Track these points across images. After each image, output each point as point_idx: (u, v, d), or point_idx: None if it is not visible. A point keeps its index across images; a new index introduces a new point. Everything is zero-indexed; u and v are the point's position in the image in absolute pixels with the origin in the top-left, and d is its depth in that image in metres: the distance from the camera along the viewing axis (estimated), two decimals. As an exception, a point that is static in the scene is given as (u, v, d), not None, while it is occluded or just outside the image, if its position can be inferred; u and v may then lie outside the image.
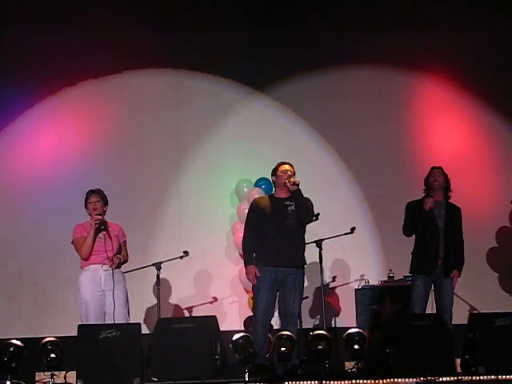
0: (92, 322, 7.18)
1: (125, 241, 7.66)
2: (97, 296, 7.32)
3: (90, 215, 7.56)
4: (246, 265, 7.44)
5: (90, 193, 7.59)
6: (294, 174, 7.49)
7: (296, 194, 7.38)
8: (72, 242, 7.53)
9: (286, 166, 7.52)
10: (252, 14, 9.40)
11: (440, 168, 7.94)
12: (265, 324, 7.20)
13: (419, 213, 7.74)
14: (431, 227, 7.76)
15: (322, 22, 9.49)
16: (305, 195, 7.92)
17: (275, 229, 7.35)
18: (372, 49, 9.55)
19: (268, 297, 7.29)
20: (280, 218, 7.37)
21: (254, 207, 7.58)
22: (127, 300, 7.45)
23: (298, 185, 7.34)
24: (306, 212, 7.39)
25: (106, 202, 7.61)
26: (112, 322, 7.12)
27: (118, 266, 7.45)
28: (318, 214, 7.70)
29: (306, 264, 7.43)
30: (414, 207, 7.84)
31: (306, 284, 7.83)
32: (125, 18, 9.18)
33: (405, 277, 8.45)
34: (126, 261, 7.59)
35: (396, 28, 9.49)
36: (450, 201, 7.93)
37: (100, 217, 7.43)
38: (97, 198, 7.55)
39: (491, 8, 9.31)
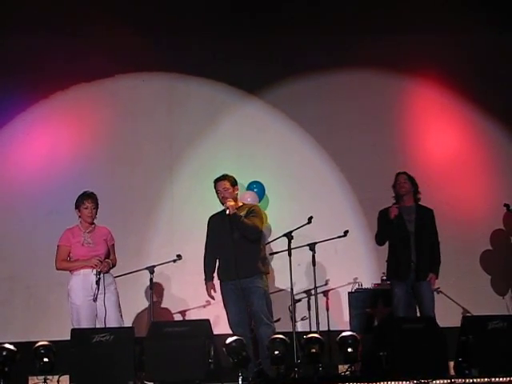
0: (84, 326, 7.17)
1: (113, 244, 7.65)
2: (88, 301, 7.31)
3: (80, 218, 7.54)
4: (204, 281, 7.66)
5: (87, 197, 7.53)
6: (231, 185, 7.57)
7: (231, 217, 7.43)
8: (57, 245, 7.53)
9: (218, 184, 7.60)
10: (245, 17, 9.40)
11: (404, 173, 8.05)
12: (241, 334, 7.15)
13: (388, 221, 7.82)
14: (401, 233, 7.86)
15: (314, 26, 9.48)
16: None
17: (223, 244, 7.51)
18: (365, 52, 9.56)
19: (235, 309, 7.47)
20: (226, 233, 7.48)
21: (208, 224, 7.77)
22: (119, 303, 7.45)
23: (229, 209, 7.41)
24: (244, 232, 7.46)
25: (98, 208, 7.60)
26: (103, 327, 7.12)
27: (108, 270, 7.45)
28: (311, 218, 7.73)
29: (262, 271, 7.52)
30: (385, 215, 7.92)
31: (295, 286, 7.84)
32: (117, 21, 9.16)
33: (398, 280, 8.46)
34: (114, 264, 7.58)
35: (388, 31, 9.50)
36: (423, 203, 8.07)
37: (101, 268, 7.33)
38: (93, 204, 7.53)
39: (484, 13, 9.31)
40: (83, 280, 7.34)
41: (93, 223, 7.57)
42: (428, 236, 7.88)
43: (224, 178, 7.61)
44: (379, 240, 8.03)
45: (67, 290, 7.41)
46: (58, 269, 7.50)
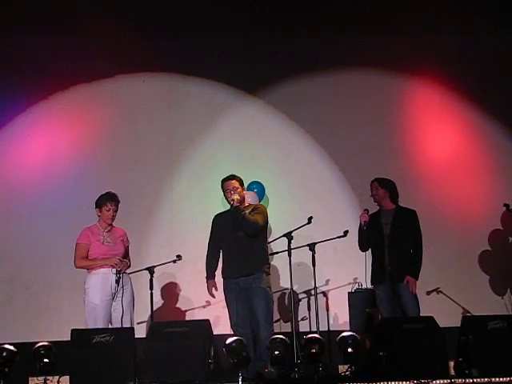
0: (100, 326, 7.19)
1: (128, 245, 7.72)
2: (106, 300, 7.35)
3: (99, 217, 7.59)
4: (206, 279, 7.68)
5: (110, 199, 7.59)
6: (240, 185, 7.66)
7: (234, 210, 7.54)
8: (76, 244, 7.55)
9: (227, 183, 7.67)
10: (244, 17, 9.40)
11: (375, 180, 8.09)
12: (243, 334, 7.19)
13: (366, 227, 7.91)
14: (377, 237, 7.89)
15: (314, 26, 9.48)
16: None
17: (229, 242, 7.56)
18: (365, 52, 9.57)
19: (236, 309, 7.48)
20: (232, 231, 7.53)
21: (212, 223, 7.81)
22: (133, 303, 7.52)
23: (234, 201, 7.51)
24: (244, 226, 7.50)
25: (117, 210, 7.66)
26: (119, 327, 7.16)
27: (125, 270, 7.49)
28: (311, 218, 7.74)
29: (265, 271, 7.53)
30: (369, 222, 8.00)
31: (295, 287, 7.86)
32: (117, 22, 9.15)
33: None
34: (129, 265, 7.62)
35: (388, 31, 9.50)
36: (403, 205, 8.06)
37: (121, 268, 7.42)
38: (115, 207, 7.59)
39: (483, 11, 9.32)
40: (102, 279, 7.39)
41: (111, 224, 7.61)
42: (406, 238, 7.86)
43: (233, 177, 7.68)
44: (360, 246, 8.08)
45: (84, 288, 7.43)
46: (77, 267, 7.52)
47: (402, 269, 7.75)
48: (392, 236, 7.85)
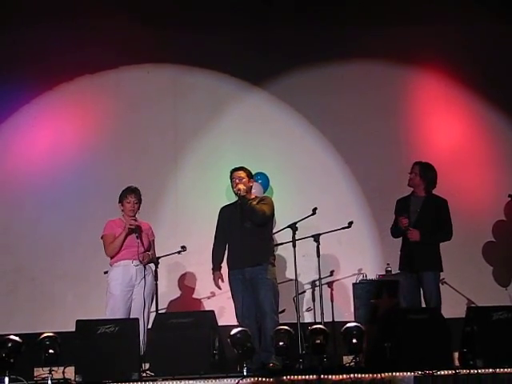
0: (118, 316, 7.22)
1: (153, 240, 7.75)
2: (126, 291, 7.40)
3: (123, 212, 7.64)
4: (212, 271, 7.67)
5: (130, 192, 7.64)
6: (247, 176, 7.66)
7: (241, 200, 7.58)
8: (101, 237, 7.58)
9: (234, 174, 7.71)
10: (250, 8, 9.39)
11: (418, 164, 7.99)
12: (248, 325, 7.20)
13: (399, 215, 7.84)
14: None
15: (319, 17, 9.48)
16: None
17: (235, 232, 7.55)
18: (370, 43, 9.54)
19: (242, 300, 7.46)
20: (239, 222, 7.53)
21: (219, 214, 7.83)
22: (152, 295, 7.56)
23: (240, 191, 7.54)
24: (251, 215, 7.52)
25: (140, 202, 7.68)
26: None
27: (147, 262, 7.54)
28: (316, 209, 7.73)
29: (271, 262, 7.54)
30: (399, 206, 7.95)
31: (300, 278, 7.86)
32: (121, 12, 9.17)
33: (402, 271, 8.46)
34: (153, 259, 7.66)
35: (394, 22, 9.49)
36: (435, 193, 8.00)
37: (136, 222, 7.49)
38: (136, 199, 7.63)
39: (490, 3, 9.30)
40: (123, 270, 7.45)
41: (134, 216, 7.64)
42: (432, 227, 7.81)
43: (241, 168, 7.73)
44: (392, 232, 8.03)
45: (107, 280, 7.50)
46: (109, 255, 7.55)
47: (422, 258, 7.71)
48: (417, 224, 7.79)
